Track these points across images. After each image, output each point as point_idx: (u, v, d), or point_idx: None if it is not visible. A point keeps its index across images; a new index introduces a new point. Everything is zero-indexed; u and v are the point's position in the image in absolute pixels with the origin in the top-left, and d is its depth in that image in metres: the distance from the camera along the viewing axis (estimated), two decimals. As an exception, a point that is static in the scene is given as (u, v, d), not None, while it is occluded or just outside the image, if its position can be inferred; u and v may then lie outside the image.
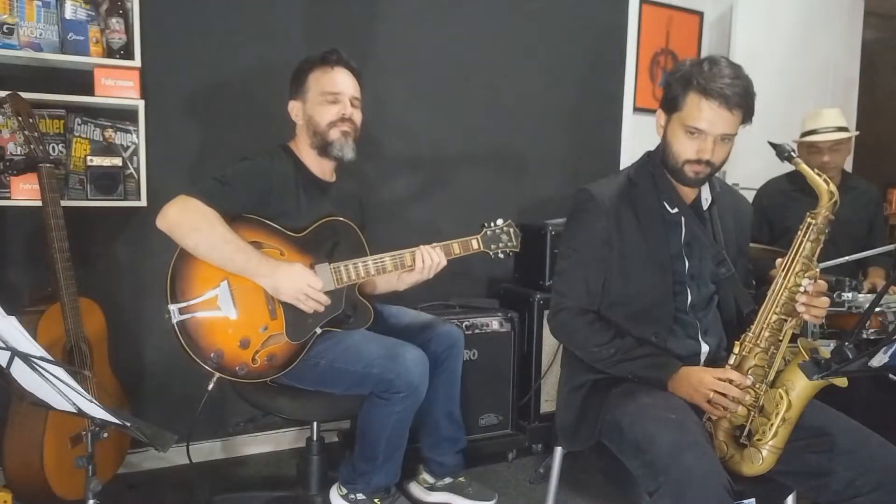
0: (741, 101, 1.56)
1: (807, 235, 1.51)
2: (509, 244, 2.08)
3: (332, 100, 2.00)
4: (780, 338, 1.52)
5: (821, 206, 1.51)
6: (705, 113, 1.56)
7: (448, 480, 2.23)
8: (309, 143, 2.03)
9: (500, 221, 2.08)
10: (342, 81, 2.02)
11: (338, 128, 2.00)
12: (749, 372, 1.51)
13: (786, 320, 1.51)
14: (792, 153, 1.54)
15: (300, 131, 2.06)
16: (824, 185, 1.50)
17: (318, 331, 1.91)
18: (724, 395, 1.47)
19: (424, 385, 1.89)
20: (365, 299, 2.06)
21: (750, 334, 1.54)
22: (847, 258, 2.30)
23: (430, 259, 1.96)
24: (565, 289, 1.71)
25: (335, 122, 1.99)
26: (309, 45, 2.62)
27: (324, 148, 2.01)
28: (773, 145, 1.55)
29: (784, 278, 1.52)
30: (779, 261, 1.55)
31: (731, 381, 1.48)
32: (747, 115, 1.60)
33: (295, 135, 2.08)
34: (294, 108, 2.05)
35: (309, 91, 2.01)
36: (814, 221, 1.51)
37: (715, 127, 1.56)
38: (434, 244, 1.99)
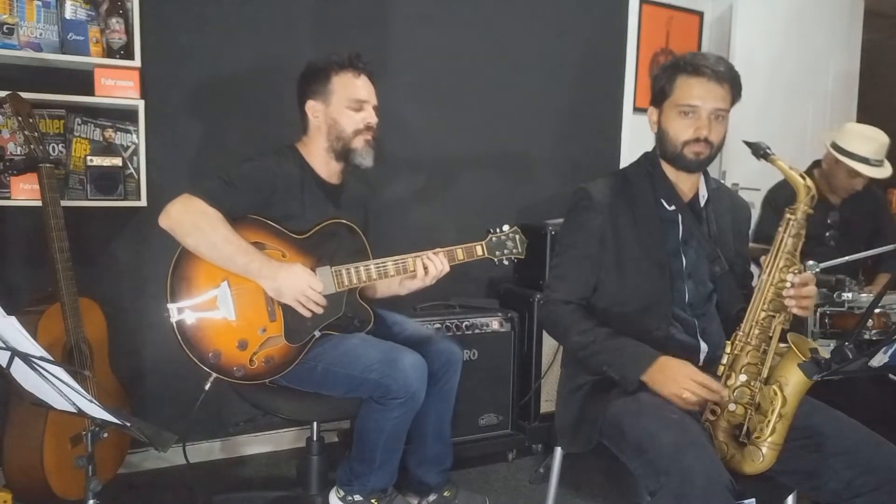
0: (728, 75, 1.62)
1: (787, 231, 1.52)
2: (514, 251, 2.05)
3: (357, 107, 1.99)
4: (770, 334, 1.53)
5: (799, 201, 1.52)
6: (696, 89, 1.61)
7: (433, 497, 2.19)
8: (326, 147, 2.01)
9: (506, 227, 2.05)
10: (367, 89, 2.01)
11: (362, 136, 1.99)
12: (742, 370, 1.52)
13: (774, 317, 1.52)
14: (767, 150, 1.57)
15: (315, 132, 2.02)
16: (800, 181, 1.52)
17: (317, 334, 1.91)
18: (698, 394, 1.48)
19: (422, 391, 1.88)
20: (365, 303, 2.06)
21: (740, 333, 1.55)
22: (847, 258, 2.30)
23: (433, 268, 1.94)
24: (557, 283, 1.73)
25: (361, 130, 1.99)
26: (309, 46, 2.63)
27: (344, 154, 2.01)
28: (749, 144, 1.59)
29: (769, 275, 1.53)
30: (763, 258, 1.56)
31: (708, 388, 1.48)
32: (736, 92, 1.66)
33: (305, 135, 2.05)
34: (314, 108, 2.01)
35: (334, 94, 1.98)
36: (793, 217, 1.52)
37: (707, 101, 1.61)
38: (437, 250, 1.97)
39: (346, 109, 1.98)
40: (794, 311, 1.51)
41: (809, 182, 1.52)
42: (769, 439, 1.45)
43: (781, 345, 1.52)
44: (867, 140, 2.71)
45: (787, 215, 1.53)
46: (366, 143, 2.00)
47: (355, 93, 1.98)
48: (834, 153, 2.72)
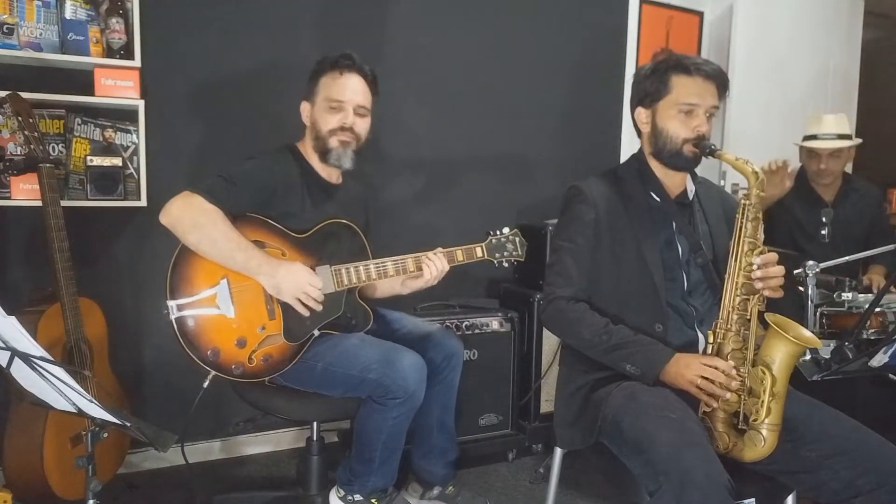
0: (718, 74, 1.69)
1: (745, 216, 1.58)
2: (514, 253, 2.06)
3: (335, 107, 1.98)
4: (748, 317, 1.55)
5: (750, 186, 1.57)
6: (695, 88, 1.67)
7: (437, 490, 2.21)
8: (312, 146, 2.03)
9: (506, 230, 2.06)
10: (349, 89, 1.99)
11: (337, 136, 1.98)
12: (728, 357, 1.54)
13: (749, 299, 1.56)
14: (713, 147, 1.64)
15: (307, 132, 2.05)
16: (748, 168, 1.57)
17: (316, 333, 1.91)
18: (711, 381, 1.50)
19: (421, 391, 1.88)
20: (365, 302, 2.06)
21: (719, 320, 1.58)
22: (847, 258, 2.30)
23: (434, 267, 1.95)
24: (558, 279, 1.73)
25: (335, 130, 1.98)
26: (310, 46, 2.63)
27: (323, 153, 2.01)
28: (696, 144, 1.66)
29: (736, 261, 1.58)
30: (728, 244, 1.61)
31: (717, 368, 1.51)
32: (724, 90, 1.72)
33: (304, 135, 2.07)
34: (304, 109, 2.04)
35: (318, 94, 2.00)
36: (748, 202, 1.58)
37: (705, 99, 1.67)
38: (437, 250, 1.98)
39: (324, 109, 1.98)
40: (766, 292, 1.55)
41: (756, 167, 1.57)
42: (766, 420, 1.46)
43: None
44: (815, 121, 2.81)
45: (743, 201, 1.58)
46: (340, 144, 1.98)
47: (333, 93, 1.98)
48: (798, 145, 2.85)
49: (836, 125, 2.78)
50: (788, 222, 2.84)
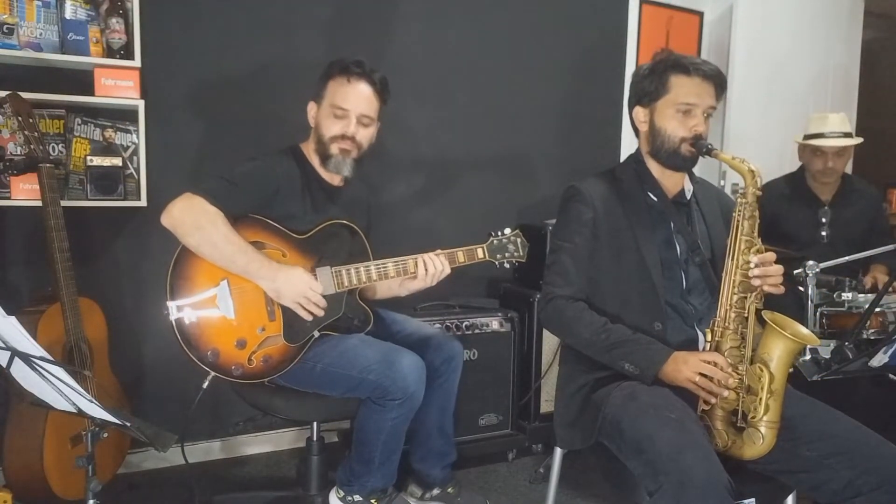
0: (716, 75, 1.70)
1: (742, 215, 1.59)
2: (516, 254, 2.06)
3: (339, 114, 1.96)
4: (746, 315, 1.56)
5: (746, 184, 1.59)
6: (693, 88, 1.68)
7: (436, 492, 2.21)
8: (314, 148, 2.03)
9: (507, 231, 2.05)
10: (356, 97, 1.97)
11: (338, 144, 1.97)
12: (726, 354, 1.54)
13: (746, 297, 1.56)
14: (710, 146, 1.66)
15: (311, 133, 2.05)
16: (744, 167, 1.59)
17: (316, 334, 1.91)
18: (709, 378, 1.50)
19: (421, 391, 1.88)
20: (365, 304, 2.06)
21: (717, 318, 1.58)
22: (847, 258, 2.30)
23: (433, 267, 1.94)
24: (557, 278, 1.73)
25: (337, 137, 1.97)
26: (310, 46, 2.63)
27: (323, 158, 2.01)
28: (693, 144, 1.68)
29: (733, 260, 1.58)
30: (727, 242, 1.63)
31: (716, 364, 1.51)
32: (722, 90, 1.73)
33: (309, 136, 2.07)
34: (311, 109, 2.04)
35: (324, 98, 1.99)
36: (744, 200, 1.59)
37: (703, 99, 1.68)
38: (438, 251, 1.98)
39: (328, 115, 1.97)
40: (767, 289, 1.55)
41: (753, 166, 1.58)
42: (765, 418, 1.46)
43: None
44: (819, 120, 2.80)
45: (739, 199, 1.59)
46: (341, 152, 1.98)
47: (339, 100, 1.96)
48: (798, 142, 2.83)
49: (841, 123, 2.78)
50: (783, 225, 2.81)
